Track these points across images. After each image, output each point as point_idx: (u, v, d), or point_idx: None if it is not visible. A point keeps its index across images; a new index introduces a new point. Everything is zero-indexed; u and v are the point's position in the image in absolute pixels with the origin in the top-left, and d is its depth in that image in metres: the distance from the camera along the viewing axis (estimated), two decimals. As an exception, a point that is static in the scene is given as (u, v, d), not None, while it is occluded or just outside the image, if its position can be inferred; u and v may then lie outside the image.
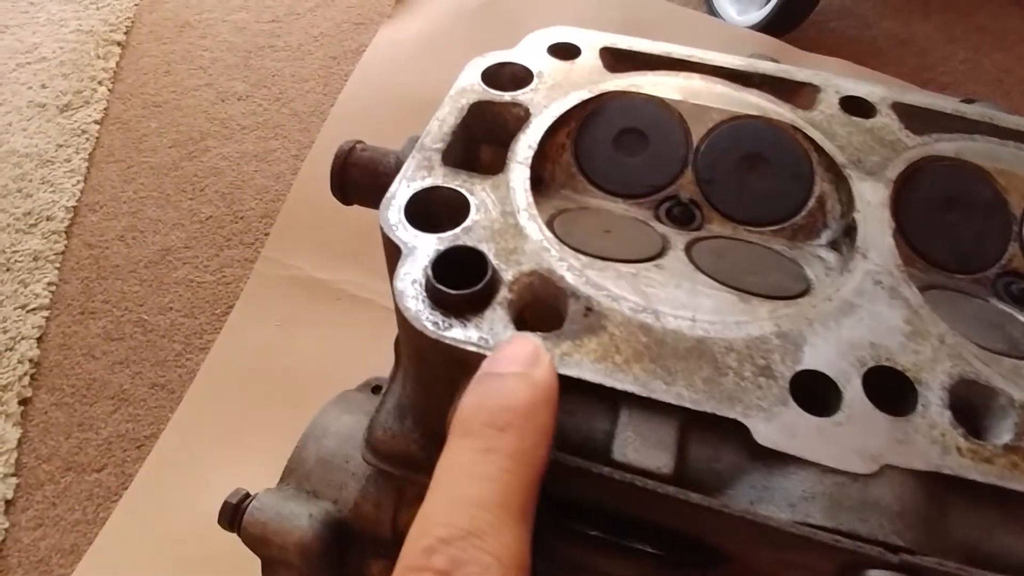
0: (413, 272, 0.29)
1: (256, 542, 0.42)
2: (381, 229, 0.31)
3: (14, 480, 0.78)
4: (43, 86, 1.24)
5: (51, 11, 1.44)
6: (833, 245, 0.35)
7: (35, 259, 0.94)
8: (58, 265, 0.93)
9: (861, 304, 0.29)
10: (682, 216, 0.36)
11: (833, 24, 1.18)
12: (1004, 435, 0.26)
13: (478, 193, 0.33)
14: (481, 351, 0.27)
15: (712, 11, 1.14)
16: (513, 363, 0.24)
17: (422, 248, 0.30)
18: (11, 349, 0.86)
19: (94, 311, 0.87)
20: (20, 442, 0.80)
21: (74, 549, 0.73)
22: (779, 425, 0.25)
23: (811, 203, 0.36)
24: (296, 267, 0.82)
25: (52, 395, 0.82)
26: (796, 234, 0.36)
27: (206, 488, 0.69)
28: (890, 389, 0.27)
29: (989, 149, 0.39)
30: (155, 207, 0.96)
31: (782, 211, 0.36)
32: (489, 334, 0.27)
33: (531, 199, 0.32)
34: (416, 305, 0.28)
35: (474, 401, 0.23)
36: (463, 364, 0.28)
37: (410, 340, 0.30)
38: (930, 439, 0.25)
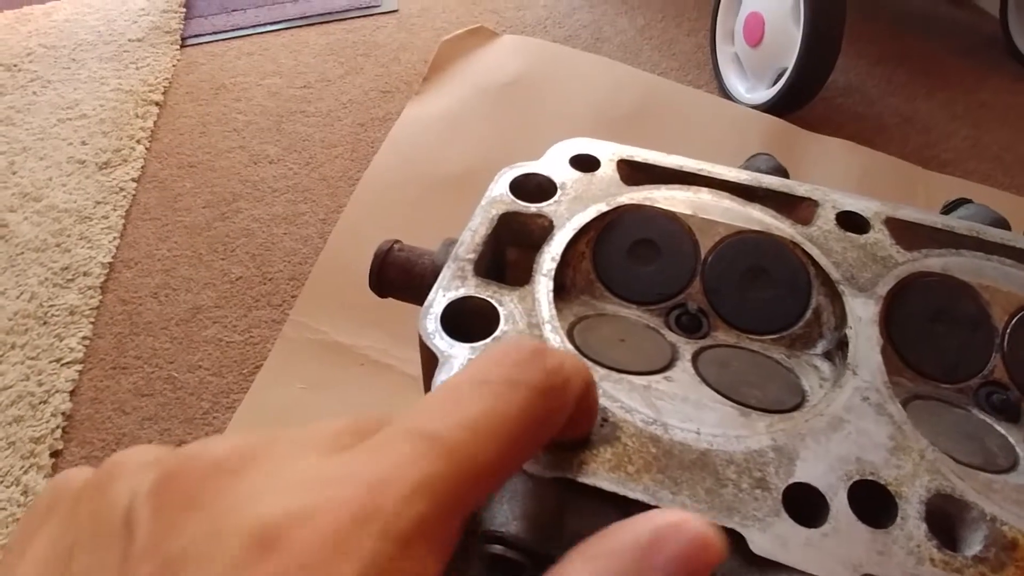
0: (448, 380, 0.33)
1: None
2: (419, 338, 0.35)
3: (42, 530, 0.81)
4: (83, 143, 1.30)
5: (92, 69, 1.51)
6: (828, 355, 0.38)
7: (71, 313, 0.99)
8: (93, 320, 0.97)
9: (850, 420, 0.32)
10: (690, 325, 0.39)
11: (839, 101, 1.23)
12: (975, 546, 0.29)
13: (507, 304, 0.36)
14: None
15: (723, 88, 1.20)
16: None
17: (457, 357, 0.34)
18: (45, 402, 0.90)
19: (126, 366, 0.91)
20: (50, 492, 0.83)
21: (98, 600, 0.76)
22: (772, 535, 0.28)
23: (808, 315, 0.39)
24: (322, 332, 0.86)
25: (82, 448, 0.86)
26: (794, 343, 0.39)
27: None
28: (873, 502, 0.30)
29: (975, 264, 0.42)
30: (188, 265, 1.00)
31: (781, 321, 0.39)
32: (515, 442, 0.31)
33: (554, 311, 0.36)
34: (451, 411, 0.32)
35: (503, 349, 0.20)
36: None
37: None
38: (907, 550, 0.28)
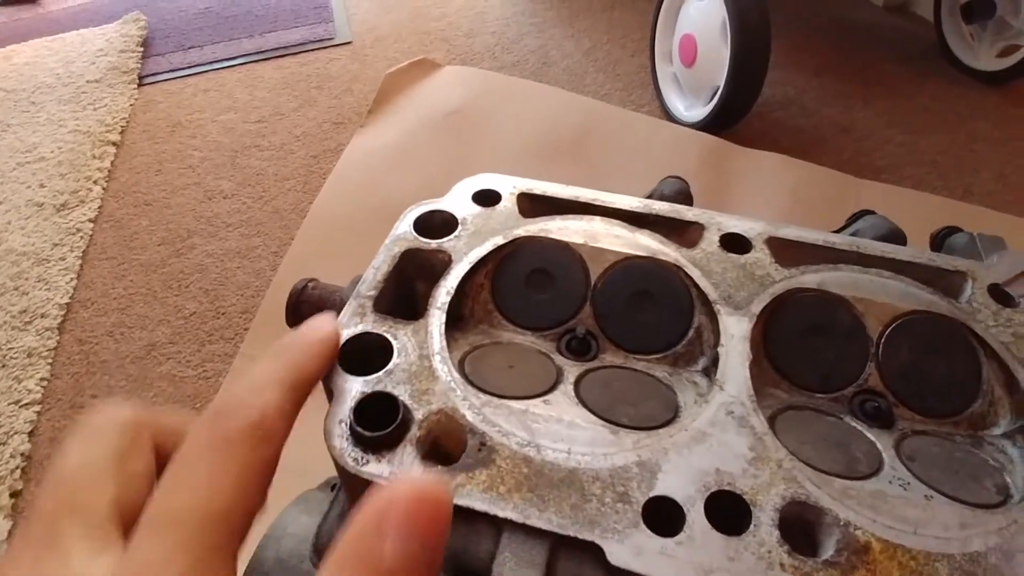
0: (340, 413, 0.35)
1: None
2: (317, 373, 0.37)
3: (2, 572, 0.82)
4: (41, 185, 1.31)
5: (51, 111, 1.53)
6: (705, 372, 0.40)
7: (29, 355, 1.00)
8: (50, 361, 0.98)
9: (712, 433, 0.35)
10: (579, 348, 0.42)
11: (777, 114, 1.27)
12: (828, 551, 0.31)
13: (401, 338, 0.39)
14: (390, 484, 0.32)
15: (664, 107, 1.23)
16: None
17: (350, 391, 0.36)
18: (4, 444, 0.91)
19: (83, 406, 0.92)
20: (10, 534, 0.84)
21: (57, 640, 0.77)
22: (629, 546, 0.30)
23: (690, 334, 0.42)
24: (271, 363, 0.88)
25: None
26: (677, 361, 0.42)
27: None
28: (731, 511, 0.32)
29: (851, 278, 0.45)
30: (143, 303, 1.02)
31: (665, 341, 0.42)
32: (398, 468, 0.33)
33: (444, 343, 0.38)
34: (341, 443, 0.34)
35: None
36: (378, 493, 0.33)
37: (337, 470, 0.35)
38: (758, 555, 0.30)
